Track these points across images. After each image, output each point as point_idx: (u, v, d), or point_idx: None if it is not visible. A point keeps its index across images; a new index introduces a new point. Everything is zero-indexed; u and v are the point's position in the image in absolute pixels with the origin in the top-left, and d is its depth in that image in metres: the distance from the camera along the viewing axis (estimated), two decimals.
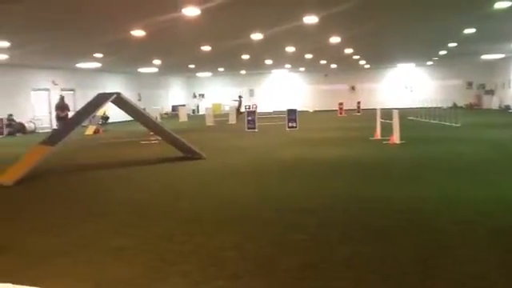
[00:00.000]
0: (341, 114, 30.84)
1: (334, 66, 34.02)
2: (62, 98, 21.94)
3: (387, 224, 5.26)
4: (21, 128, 23.77)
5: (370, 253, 4.31)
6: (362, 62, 31.94)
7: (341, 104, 31.44)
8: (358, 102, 33.22)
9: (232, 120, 27.18)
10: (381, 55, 27.58)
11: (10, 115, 23.52)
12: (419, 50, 25.33)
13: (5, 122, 23.23)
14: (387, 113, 14.98)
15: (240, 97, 33.10)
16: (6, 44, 15.59)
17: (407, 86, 39.02)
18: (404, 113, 19.90)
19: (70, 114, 18.56)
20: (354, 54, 25.15)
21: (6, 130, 23.12)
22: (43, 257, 4.52)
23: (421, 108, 25.79)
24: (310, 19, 13.09)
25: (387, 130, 14.07)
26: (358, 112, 32.10)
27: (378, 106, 18.11)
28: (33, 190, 8.24)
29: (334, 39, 18.20)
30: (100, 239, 5.06)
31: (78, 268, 4.17)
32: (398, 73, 38.97)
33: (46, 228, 5.61)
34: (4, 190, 8.31)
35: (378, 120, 15.38)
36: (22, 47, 16.35)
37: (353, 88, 40.09)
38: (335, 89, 39.62)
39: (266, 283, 3.71)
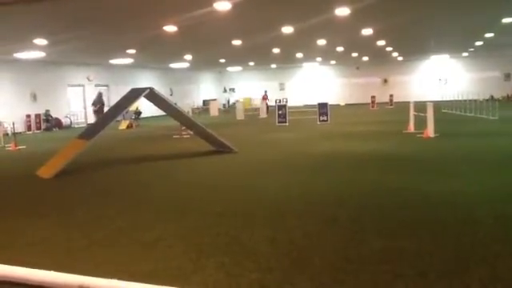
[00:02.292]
0: (373, 107, 30.42)
1: (365, 58, 33.54)
2: (99, 94, 22.50)
3: (422, 219, 5.16)
4: (57, 123, 24.46)
5: (406, 248, 4.24)
6: (395, 54, 31.37)
7: (373, 97, 31.02)
8: (391, 95, 32.70)
9: (263, 114, 27.19)
10: (414, 47, 27.00)
11: (48, 111, 24.22)
12: (454, 41, 24.67)
13: (42, 117, 23.95)
14: (421, 106, 14.68)
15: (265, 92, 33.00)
16: (43, 42, 16.03)
17: (441, 78, 38.12)
18: (438, 106, 19.47)
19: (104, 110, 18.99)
20: (386, 45, 24.71)
21: (43, 125, 23.84)
22: (80, 248, 4.64)
23: (456, 101, 25.15)
24: (342, 11, 12.93)
25: (421, 123, 13.79)
26: (391, 105, 31.60)
27: (411, 99, 17.76)
28: (70, 184, 8.47)
29: (366, 31, 17.93)
30: (136, 231, 5.16)
31: (115, 259, 4.26)
32: (431, 65, 38.11)
33: (83, 220, 5.77)
34: (43, 183, 8.58)
35: (412, 113, 15.09)
36: (58, 45, 16.77)
37: (385, 81, 39.46)
38: (367, 82, 39.09)
39: (300, 277, 3.71)
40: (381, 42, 22.85)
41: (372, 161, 9.50)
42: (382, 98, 32.85)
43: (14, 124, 17.41)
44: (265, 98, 30.77)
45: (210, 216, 5.70)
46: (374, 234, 4.70)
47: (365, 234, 4.70)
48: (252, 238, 4.72)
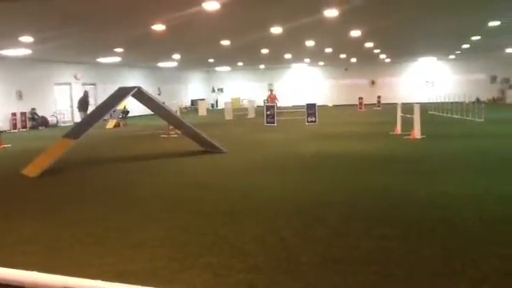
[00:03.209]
0: (360, 108, 30.57)
1: (353, 60, 33.72)
2: (85, 93, 22.45)
3: (410, 219, 5.20)
4: (44, 121, 24.19)
5: (394, 248, 4.26)
6: (383, 56, 31.59)
7: (361, 98, 31.16)
8: (378, 97, 32.89)
9: (251, 114, 27.18)
10: (402, 49, 27.22)
11: (33, 109, 23.94)
12: (441, 44, 24.91)
13: (28, 115, 23.67)
14: (408, 107, 14.79)
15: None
16: (29, 39, 15.83)
17: (428, 81, 38.47)
18: (425, 107, 19.64)
19: (91, 109, 18.84)
20: (374, 47, 24.87)
21: (29, 124, 23.56)
22: (66, 248, 4.59)
23: (442, 103, 25.39)
24: (331, 12, 12.98)
25: (408, 124, 13.90)
26: (378, 107, 31.79)
27: (399, 101, 17.89)
28: (56, 183, 8.37)
29: (355, 33, 18.02)
30: (124, 231, 5.11)
31: (102, 259, 4.21)
32: (419, 67, 38.44)
33: (69, 220, 5.70)
34: (29, 181, 8.46)
35: (399, 115, 15.20)
36: (45, 42, 16.59)
37: (373, 82, 39.70)
38: (355, 83, 39.29)
39: (288, 277, 3.70)
40: (369, 44, 22.99)
41: (359, 162, 9.55)
42: (370, 99, 33.03)
43: None
44: (272, 97, 28.02)
45: (199, 216, 5.67)
46: (362, 234, 4.71)
47: (353, 235, 4.71)
48: (240, 237, 4.71)
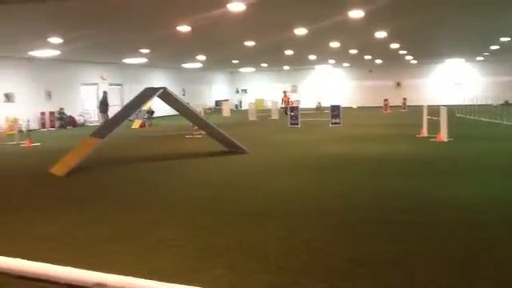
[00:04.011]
0: (386, 110, 30.23)
1: (379, 61, 33.37)
2: (104, 94, 23.05)
3: (434, 223, 5.12)
4: (71, 121, 24.69)
5: (418, 251, 4.21)
6: (409, 58, 31.16)
7: (386, 100, 30.83)
8: (404, 99, 32.47)
9: (275, 116, 27.18)
10: (429, 50, 26.79)
11: (62, 109, 24.47)
12: (469, 45, 24.45)
13: (56, 115, 24.20)
14: (434, 110, 14.57)
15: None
16: (58, 40, 16.19)
17: (456, 82, 37.77)
18: (452, 110, 19.29)
19: (117, 109, 19.14)
20: (400, 48, 24.56)
21: (57, 123, 24.09)
22: (93, 245, 4.68)
23: (470, 105, 24.91)
24: (356, 13, 12.88)
25: (434, 127, 13.69)
26: (404, 109, 31.38)
27: (425, 103, 17.63)
28: (83, 181, 8.54)
29: (380, 34, 17.84)
30: (148, 230, 5.19)
31: (127, 257, 4.29)
32: (446, 68, 37.78)
33: (95, 218, 5.81)
34: (56, 180, 8.66)
35: (425, 117, 14.97)
36: (73, 43, 16.93)
37: (398, 84, 39.21)
38: (380, 85, 38.87)
39: (311, 279, 3.70)
40: (394, 45, 22.72)
41: (384, 164, 9.45)
42: (395, 101, 32.63)
43: (28, 121, 17.61)
44: (286, 100, 27.77)
45: (222, 216, 5.71)
46: (385, 237, 4.67)
47: (376, 237, 4.67)
48: (263, 239, 4.72)
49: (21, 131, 17.72)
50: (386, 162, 9.74)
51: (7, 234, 5.18)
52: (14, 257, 1.65)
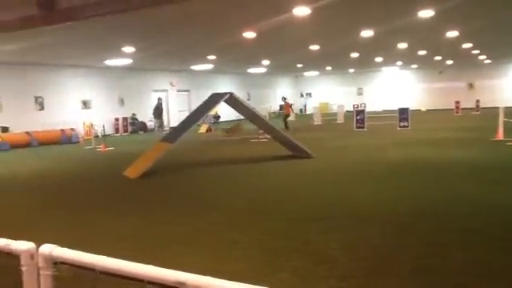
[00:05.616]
0: (457, 112, 28.94)
1: (449, 62, 31.99)
2: (159, 101, 24.17)
3: (508, 233, 4.86)
4: (142, 126, 25.77)
5: (490, 261, 4.02)
6: (482, 57, 29.62)
7: (457, 102, 29.52)
8: (477, 101, 30.90)
9: (340, 119, 26.87)
10: (504, 49, 25.33)
11: (134, 114, 25.62)
12: None
13: (129, 120, 25.39)
14: (511, 112, 13.76)
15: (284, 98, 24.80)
16: (131, 49, 17.01)
17: None
18: None
19: (185, 114, 19.77)
20: (473, 48, 23.42)
21: (129, 128, 25.25)
22: (162, 246, 4.88)
23: None
24: (426, 13, 12.47)
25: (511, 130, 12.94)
26: (477, 111, 29.87)
27: (501, 105, 16.70)
28: (153, 184, 8.91)
29: (452, 33, 17.12)
30: (214, 232, 5.34)
31: (195, 257, 4.43)
32: None
33: (164, 219, 6.06)
34: (129, 183, 9.10)
35: (501, 119, 14.19)
36: (144, 52, 17.71)
37: (471, 85, 37.36)
38: (451, 86, 37.23)
39: (378, 286, 3.65)
40: (467, 45, 21.71)
41: (456, 169, 9.06)
42: (467, 103, 31.13)
43: (104, 126, 18.60)
44: (287, 107, 23.31)
45: (286, 220, 5.75)
46: (454, 245, 4.50)
47: (445, 245, 4.52)
48: (328, 244, 4.71)
49: (96, 136, 18.77)
50: (458, 167, 9.33)
51: (88, 234, 5.52)
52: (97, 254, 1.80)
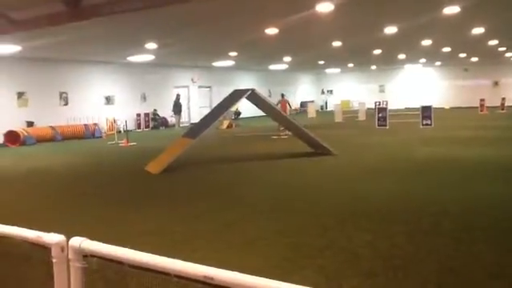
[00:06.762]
0: (482, 111, 28.38)
1: (474, 59, 31.38)
2: (177, 96, 24.31)
3: None
4: (164, 122, 25.98)
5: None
6: (509, 54, 28.97)
7: (482, 100, 28.94)
8: (503, 99, 30.23)
9: (361, 117, 26.64)
10: None
11: (155, 110, 25.85)
12: None
13: (151, 116, 25.63)
14: None
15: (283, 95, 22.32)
16: (153, 46, 17.14)
17: None
18: None
19: (207, 110, 19.85)
20: (499, 45, 22.92)
21: (151, 124, 25.49)
22: (186, 241, 4.91)
23: None
24: (451, 9, 12.25)
25: None
26: (503, 109, 29.25)
27: None
28: (175, 179, 8.97)
29: (477, 30, 16.78)
30: (237, 228, 5.34)
31: (218, 253, 4.45)
32: None
33: (186, 215, 6.10)
34: (152, 178, 9.19)
35: None
36: (167, 48, 17.82)
37: (496, 83, 36.60)
38: (475, 84, 36.51)
39: (403, 285, 3.61)
40: (493, 42, 21.25)
41: (481, 168, 8.89)
42: (493, 101, 30.50)
43: (126, 122, 18.82)
44: (284, 104, 20.42)
45: (309, 217, 5.73)
46: (481, 244, 4.42)
47: (472, 245, 4.43)
48: (352, 241, 4.67)
49: (119, 131, 18.97)
50: (483, 166, 9.15)
51: (113, 227, 5.59)
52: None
